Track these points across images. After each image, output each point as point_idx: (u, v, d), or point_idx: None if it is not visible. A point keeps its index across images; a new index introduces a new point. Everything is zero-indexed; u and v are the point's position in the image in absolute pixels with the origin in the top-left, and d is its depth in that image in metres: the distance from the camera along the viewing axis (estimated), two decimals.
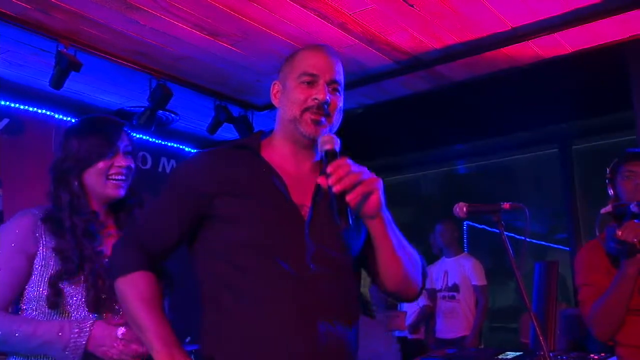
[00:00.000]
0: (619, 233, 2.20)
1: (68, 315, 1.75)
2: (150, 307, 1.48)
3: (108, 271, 1.74)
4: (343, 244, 1.55)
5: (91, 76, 4.42)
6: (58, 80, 3.87)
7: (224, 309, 1.48)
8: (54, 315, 1.75)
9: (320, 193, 1.55)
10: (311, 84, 1.55)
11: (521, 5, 3.52)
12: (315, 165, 1.62)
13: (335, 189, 1.34)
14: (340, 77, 1.60)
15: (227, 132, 5.27)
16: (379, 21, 3.70)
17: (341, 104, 1.60)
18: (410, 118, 5.31)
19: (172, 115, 5.24)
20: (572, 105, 4.48)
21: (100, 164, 1.88)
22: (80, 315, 1.75)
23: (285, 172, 1.56)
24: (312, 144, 1.57)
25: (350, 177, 1.35)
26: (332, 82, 1.57)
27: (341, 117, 1.61)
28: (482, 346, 5.05)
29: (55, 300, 1.73)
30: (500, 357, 2.12)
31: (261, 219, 1.49)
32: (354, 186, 1.36)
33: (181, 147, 5.81)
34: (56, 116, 4.82)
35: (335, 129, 1.58)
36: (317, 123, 1.54)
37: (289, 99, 1.57)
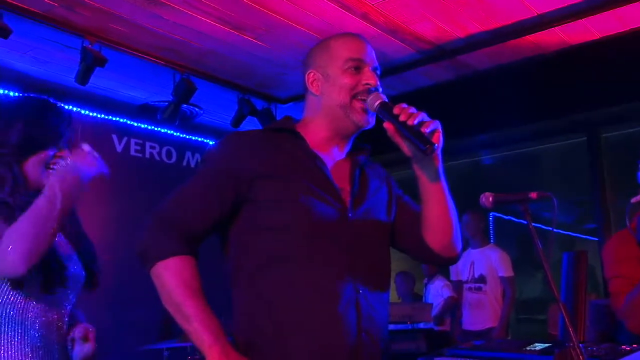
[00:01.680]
0: None
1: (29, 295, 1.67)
2: (196, 295, 1.40)
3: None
4: (381, 226, 1.59)
5: (116, 72, 4.46)
6: (84, 76, 3.92)
7: (266, 295, 1.44)
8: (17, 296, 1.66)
9: (357, 179, 1.58)
10: (358, 69, 1.54)
11: None
12: (348, 155, 1.63)
13: (410, 122, 1.42)
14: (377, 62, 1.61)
15: (251, 125, 5.28)
16: (402, 11, 3.67)
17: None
18: (434, 109, 5.25)
19: (196, 109, 5.27)
20: (600, 93, 4.39)
21: (42, 154, 1.78)
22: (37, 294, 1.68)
23: (324, 156, 1.56)
24: (352, 133, 1.59)
25: (418, 113, 1.45)
26: (375, 68, 1.58)
27: None
28: (510, 338, 5.01)
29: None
30: (528, 348, 2.09)
31: (305, 202, 1.45)
32: (423, 122, 1.44)
33: (205, 140, 5.85)
34: (82, 112, 4.89)
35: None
36: (366, 112, 1.54)
37: (336, 85, 1.55)
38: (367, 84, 1.53)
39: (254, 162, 1.48)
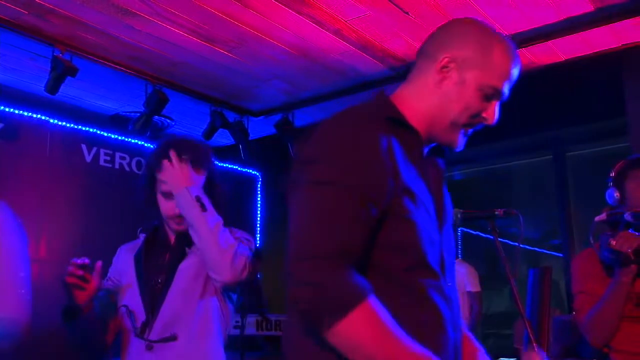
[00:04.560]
0: (613, 243, 2.22)
1: None
2: (407, 343, 1.07)
3: None
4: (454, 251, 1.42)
5: (87, 81, 4.42)
6: (54, 85, 3.87)
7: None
8: None
9: (442, 192, 1.36)
10: (489, 98, 1.29)
11: (516, 12, 3.55)
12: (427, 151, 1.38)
13: None
14: None
15: (223, 137, 5.27)
16: (374, 28, 3.72)
17: None
18: None
19: (168, 121, 5.24)
20: (566, 112, 4.50)
21: None
22: None
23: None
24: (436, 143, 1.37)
25: None
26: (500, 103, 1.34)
27: None
28: None
29: None
30: None
31: (421, 216, 1.21)
32: None
33: None
34: (51, 121, 4.82)
35: None
36: (465, 135, 1.34)
37: (463, 98, 1.28)
38: (485, 118, 1.31)
39: (392, 167, 1.17)
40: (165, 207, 1.96)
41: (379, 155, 1.15)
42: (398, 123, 1.26)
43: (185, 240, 1.97)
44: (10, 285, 1.57)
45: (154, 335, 1.84)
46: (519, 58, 1.33)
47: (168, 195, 1.94)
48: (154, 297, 1.90)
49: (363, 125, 1.20)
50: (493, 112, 1.30)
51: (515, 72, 1.31)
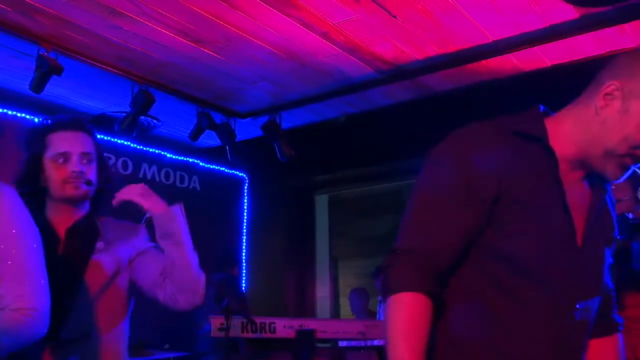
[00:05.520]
0: None
1: None
2: (411, 342, 1.19)
3: None
4: (601, 286, 1.34)
5: (73, 80, 4.39)
6: (39, 84, 3.84)
7: (475, 331, 1.27)
8: None
9: (596, 216, 1.31)
10: None
11: (503, 18, 3.57)
12: (584, 175, 1.33)
13: None
14: None
15: (210, 138, 5.26)
16: (362, 31, 3.73)
17: None
18: (394, 127, 5.34)
19: (154, 121, 5.21)
20: None
21: None
22: None
23: (562, 176, 1.28)
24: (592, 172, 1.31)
25: None
26: None
27: None
28: None
29: None
30: None
31: (543, 236, 1.24)
32: None
33: (163, 153, 5.78)
34: (36, 120, 4.77)
35: None
36: (625, 169, 1.26)
37: (624, 128, 1.22)
38: None
39: (499, 178, 1.23)
40: (62, 171, 1.82)
41: (483, 164, 1.23)
42: (528, 138, 1.27)
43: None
44: (27, 275, 1.45)
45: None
46: None
47: (64, 155, 1.83)
48: None
49: (483, 134, 1.29)
50: None
51: None
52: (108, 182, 1.97)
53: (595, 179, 1.33)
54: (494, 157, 1.24)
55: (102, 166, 1.96)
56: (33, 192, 1.83)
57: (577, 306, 1.26)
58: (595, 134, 1.25)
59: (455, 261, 1.26)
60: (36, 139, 1.87)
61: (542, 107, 1.35)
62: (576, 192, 1.30)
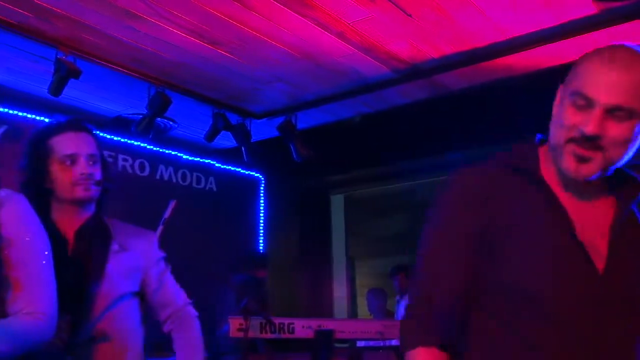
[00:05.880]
0: None
1: None
2: None
3: None
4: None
5: (90, 83, 4.42)
6: (57, 87, 3.88)
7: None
8: None
9: (618, 236, 1.22)
10: (582, 108, 1.18)
11: (519, 15, 3.54)
12: (601, 192, 1.27)
13: None
14: (623, 99, 1.16)
15: (225, 139, 5.27)
16: (378, 30, 3.72)
17: (629, 134, 1.18)
18: (409, 127, 5.32)
19: (170, 123, 5.24)
20: None
21: None
22: None
23: (565, 200, 1.24)
24: (576, 180, 1.23)
25: None
26: (609, 113, 1.16)
27: (630, 149, 1.22)
28: None
29: None
30: None
31: (545, 263, 1.21)
32: None
33: (179, 154, 5.81)
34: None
35: (615, 165, 1.22)
36: (580, 159, 1.19)
37: (558, 117, 1.22)
38: (579, 129, 1.18)
39: (486, 213, 1.24)
40: (70, 172, 1.82)
41: (474, 198, 1.26)
42: (523, 172, 1.27)
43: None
44: (40, 281, 1.53)
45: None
46: (608, 55, 1.20)
47: (72, 157, 1.83)
48: None
49: (474, 173, 1.31)
50: (587, 121, 1.16)
51: (595, 60, 1.20)
52: (110, 181, 1.98)
53: (619, 193, 1.27)
54: (484, 193, 1.26)
55: (105, 166, 1.97)
56: (38, 193, 1.83)
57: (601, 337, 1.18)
58: (550, 136, 1.25)
59: (462, 305, 1.26)
60: (40, 141, 1.88)
61: (539, 136, 1.33)
62: (595, 214, 1.25)
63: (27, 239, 1.54)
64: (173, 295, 2.00)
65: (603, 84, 1.16)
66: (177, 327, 1.98)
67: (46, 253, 1.57)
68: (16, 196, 1.58)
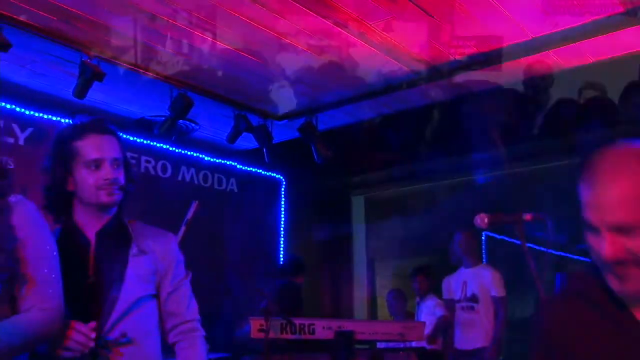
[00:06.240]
0: None
1: None
2: None
3: None
4: None
5: (114, 86, 4.47)
6: (81, 90, 3.93)
7: None
8: None
9: None
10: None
11: (541, 15, 3.50)
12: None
13: None
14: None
15: (247, 141, 5.30)
16: (399, 31, 3.71)
17: None
18: (429, 127, 5.30)
19: (193, 125, 5.28)
20: (595, 115, 4.44)
21: None
22: None
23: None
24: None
25: None
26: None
27: None
28: (502, 358, 4.99)
29: None
30: None
31: None
32: None
33: (201, 156, 5.85)
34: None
35: None
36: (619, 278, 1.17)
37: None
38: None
39: (572, 342, 1.20)
40: (94, 177, 1.83)
41: (545, 336, 1.24)
42: (586, 299, 1.23)
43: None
44: (52, 280, 1.66)
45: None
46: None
47: (97, 162, 1.83)
48: None
49: (550, 304, 1.31)
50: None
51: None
52: (132, 182, 1.98)
53: None
54: (551, 326, 1.25)
55: (127, 167, 1.97)
56: (61, 195, 1.86)
57: None
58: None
59: None
60: (65, 144, 1.89)
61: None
62: None
63: (39, 240, 1.67)
64: (184, 305, 1.94)
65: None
66: (183, 342, 1.92)
67: (55, 254, 1.70)
68: (26, 202, 1.71)
